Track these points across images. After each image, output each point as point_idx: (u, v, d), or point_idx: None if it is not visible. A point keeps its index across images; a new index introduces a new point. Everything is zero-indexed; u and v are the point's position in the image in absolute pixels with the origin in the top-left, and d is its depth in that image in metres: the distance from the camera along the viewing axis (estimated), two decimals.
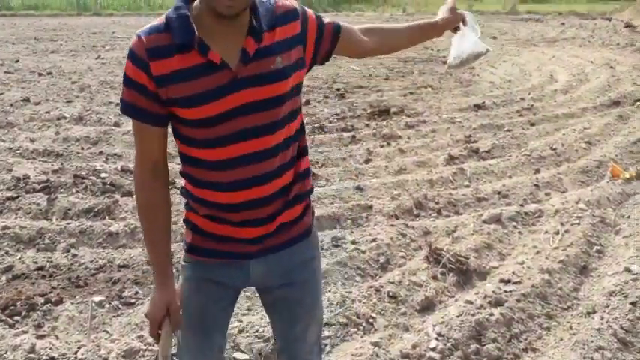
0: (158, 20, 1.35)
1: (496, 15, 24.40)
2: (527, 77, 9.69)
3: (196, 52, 1.30)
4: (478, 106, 7.43)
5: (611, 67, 9.96)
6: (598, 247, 3.56)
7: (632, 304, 2.83)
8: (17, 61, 12.21)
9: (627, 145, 5.54)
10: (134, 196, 4.46)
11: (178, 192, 1.59)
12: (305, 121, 6.00)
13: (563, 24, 19.18)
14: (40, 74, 10.45)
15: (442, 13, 1.82)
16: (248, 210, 1.45)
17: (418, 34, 1.80)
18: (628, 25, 17.19)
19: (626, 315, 2.75)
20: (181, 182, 1.56)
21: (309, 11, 1.51)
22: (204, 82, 1.31)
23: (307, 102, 7.93)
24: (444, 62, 2.03)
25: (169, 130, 1.46)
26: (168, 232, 1.53)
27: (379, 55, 1.94)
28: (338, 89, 8.80)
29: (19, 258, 3.50)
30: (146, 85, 1.33)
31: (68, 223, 3.94)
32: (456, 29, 1.84)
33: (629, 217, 3.98)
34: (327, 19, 1.56)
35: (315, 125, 6.66)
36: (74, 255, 3.52)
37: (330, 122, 6.87)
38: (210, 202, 1.46)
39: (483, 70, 10.56)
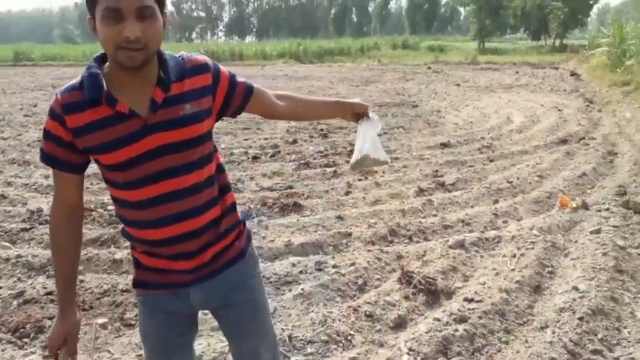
0: (75, 79, 1.35)
1: (459, 65, 24.90)
2: (486, 119, 9.83)
3: (105, 105, 1.30)
4: (444, 145, 7.52)
5: (559, 110, 10.16)
6: (550, 269, 3.57)
7: (580, 319, 2.83)
8: (35, 105, 12.20)
9: (574, 178, 5.61)
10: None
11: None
12: (292, 158, 6.05)
13: (517, 72, 19.61)
14: None
15: (352, 100, 1.81)
16: (177, 244, 1.42)
17: (326, 109, 1.78)
18: (573, 74, 17.63)
19: (575, 329, 2.75)
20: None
21: (224, 68, 1.49)
22: (116, 131, 1.30)
23: (294, 141, 7.98)
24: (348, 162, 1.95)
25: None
26: (73, 268, 1.51)
27: (288, 120, 1.92)
28: (321, 130, 8.87)
29: (30, 284, 3.43)
30: (62, 137, 1.34)
31: None
32: (359, 117, 1.79)
33: (576, 241, 4.01)
34: (241, 78, 1.54)
35: (302, 161, 6.68)
36: (81, 281, 3.46)
37: (315, 159, 6.90)
38: (140, 238, 1.44)
39: (448, 113, 10.72)
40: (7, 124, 9.66)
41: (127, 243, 4.04)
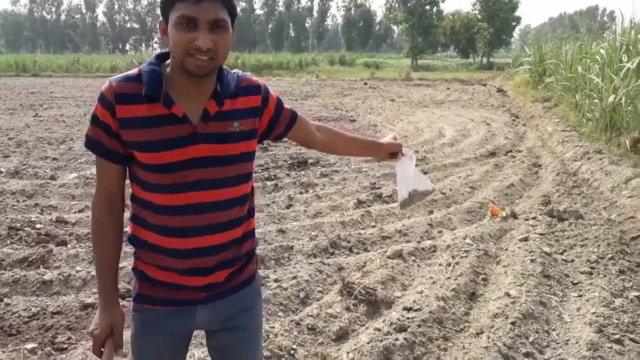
0: (132, 71, 1.35)
1: (394, 81, 25.68)
2: (420, 133, 10.17)
3: (161, 104, 1.30)
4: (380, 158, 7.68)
5: (488, 124, 10.68)
6: (483, 276, 3.72)
7: (512, 323, 2.96)
8: None
9: (503, 189, 5.90)
10: (68, 245, 4.20)
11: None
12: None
13: (448, 88, 20.46)
14: None
15: (386, 139, 1.86)
16: (197, 257, 1.39)
17: (362, 148, 1.85)
18: (499, 90, 18.63)
19: (508, 333, 2.87)
20: (128, 230, 1.49)
21: (273, 93, 1.52)
22: (165, 132, 1.31)
23: None
24: (397, 202, 2.01)
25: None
26: (115, 258, 1.47)
27: (324, 152, 1.98)
28: (262, 144, 8.82)
29: None
30: (110, 125, 1.32)
31: (1, 274, 3.63)
32: (394, 155, 1.84)
33: (507, 249, 4.20)
34: (287, 105, 1.57)
35: None
36: (7, 304, 3.22)
37: (255, 172, 6.82)
38: (159, 246, 1.40)
39: (384, 127, 10.99)
40: None
41: (58, 263, 3.81)
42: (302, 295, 3.43)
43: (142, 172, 1.36)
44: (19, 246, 4.20)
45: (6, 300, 3.30)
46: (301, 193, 5.93)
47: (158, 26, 1.35)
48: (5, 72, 29.54)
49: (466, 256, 3.94)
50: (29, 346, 2.83)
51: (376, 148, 1.84)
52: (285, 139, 1.63)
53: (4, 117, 11.83)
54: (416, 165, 1.85)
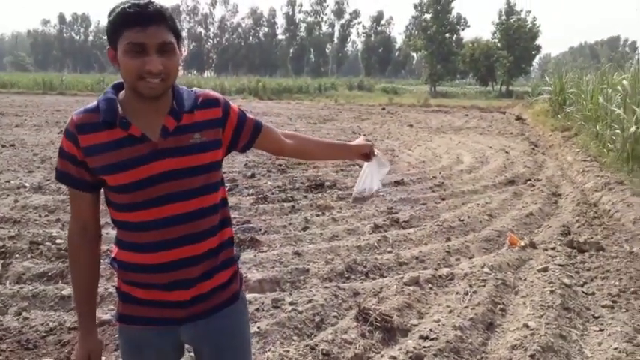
0: (92, 103, 1.42)
1: (412, 107, 25.72)
2: (438, 159, 10.13)
3: (119, 128, 1.35)
4: (398, 183, 7.67)
5: (507, 152, 10.60)
6: (501, 306, 3.65)
7: (531, 356, 2.89)
8: None
9: (522, 218, 5.82)
10: None
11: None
12: (250, 192, 5.99)
13: (467, 115, 20.43)
14: (3, 146, 10.02)
15: (357, 141, 1.91)
16: (176, 270, 1.43)
17: (333, 151, 1.89)
18: (518, 118, 18.54)
19: None
20: (111, 254, 1.53)
21: (234, 105, 1.57)
22: (127, 152, 1.35)
23: (252, 175, 7.95)
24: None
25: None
26: (93, 285, 1.52)
27: (294, 159, 2.03)
28: (280, 165, 8.89)
29: None
30: (76, 156, 1.38)
31: (21, 287, 3.68)
32: (366, 157, 1.90)
33: (525, 279, 4.13)
34: (251, 115, 1.62)
35: (260, 196, 6.65)
36: (25, 318, 3.26)
37: (273, 194, 6.88)
38: (138, 263, 1.44)
39: (402, 152, 10.98)
40: None
41: None
42: (317, 319, 3.40)
43: (113, 195, 1.41)
44: (39, 260, 4.26)
45: (25, 314, 3.34)
46: (318, 215, 5.92)
47: (107, 53, 1.39)
48: (33, 90, 30.33)
49: (484, 285, 3.88)
50: None
51: (346, 150, 1.88)
52: (268, 152, 1.70)
53: (30, 133, 12.11)
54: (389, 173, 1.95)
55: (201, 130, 1.44)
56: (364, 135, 13.50)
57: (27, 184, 6.81)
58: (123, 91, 1.43)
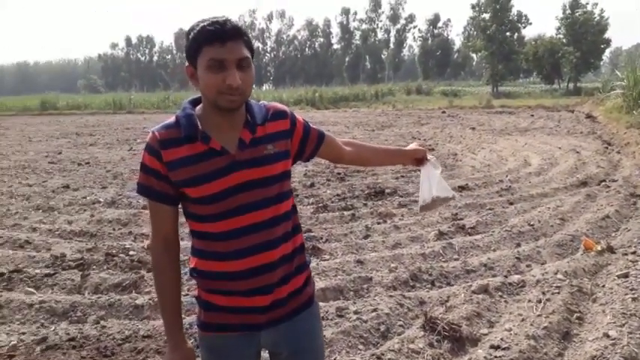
0: (170, 119, 1.48)
1: (474, 109, 25.08)
2: (503, 162, 9.80)
3: (200, 142, 1.42)
4: (462, 187, 7.48)
5: (577, 152, 10.10)
6: (578, 315, 3.46)
7: None
8: (60, 152, 12.51)
9: (597, 221, 5.51)
10: None
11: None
12: (310, 201, 6.05)
13: (532, 115, 19.67)
14: (79, 164, 10.67)
15: (411, 146, 1.97)
16: (254, 277, 1.47)
17: (388, 157, 1.96)
18: (589, 116, 17.64)
19: None
20: (190, 265, 1.59)
21: (299, 116, 1.64)
22: (208, 165, 1.42)
23: (312, 184, 8.02)
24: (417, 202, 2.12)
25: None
26: (178, 298, 1.56)
27: (354, 165, 2.08)
28: (339, 173, 8.91)
29: (53, 330, 3.42)
30: (159, 170, 1.44)
31: (99, 297, 3.89)
32: (420, 162, 1.93)
33: (604, 286, 3.90)
34: (314, 126, 1.69)
35: (319, 205, 6.69)
36: (103, 326, 3.44)
37: (332, 202, 6.91)
38: (218, 272, 1.49)
39: (465, 156, 10.71)
40: (33, 171, 9.89)
41: (148, 288, 4.03)
42: (382, 328, 3.37)
43: (194, 206, 1.47)
44: (114, 271, 4.48)
45: (102, 322, 3.52)
46: (379, 223, 5.88)
47: (186, 71, 1.46)
48: (104, 110, 32.15)
49: (558, 293, 3.70)
50: None
51: (401, 155, 1.94)
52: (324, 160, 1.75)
53: (102, 151, 12.83)
54: (441, 173, 1.94)
55: (273, 141, 1.51)
56: (424, 140, 13.32)
57: (101, 200, 7.21)
58: (199, 107, 1.50)
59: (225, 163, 1.42)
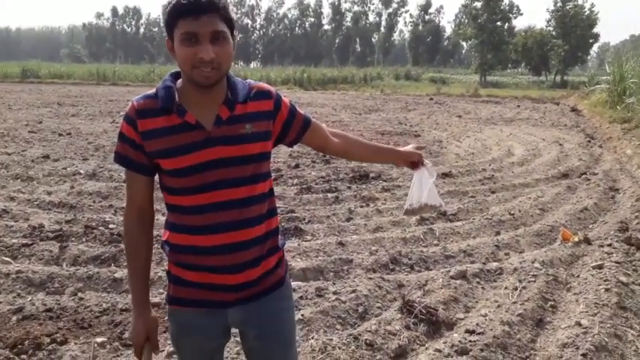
0: (151, 90, 1.48)
1: (461, 97, 25.19)
2: (488, 151, 9.89)
3: (175, 114, 1.41)
4: (445, 175, 7.54)
5: (560, 145, 10.23)
6: (552, 303, 3.54)
7: (584, 355, 2.80)
8: (41, 122, 12.27)
9: (576, 213, 5.61)
10: None
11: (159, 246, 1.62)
12: (294, 182, 6.03)
13: (518, 106, 19.82)
14: (60, 134, 10.49)
15: (408, 147, 1.90)
16: (225, 254, 1.47)
17: (379, 155, 1.90)
18: (573, 109, 17.84)
19: None
20: (162, 238, 1.59)
21: (285, 98, 1.61)
22: (181, 138, 1.41)
23: (297, 166, 8.01)
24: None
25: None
26: (147, 268, 1.59)
27: (340, 158, 2.03)
28: (324, 156, 8.90)
29: (30, 300, 3.39)
30: (134, 139, 1.44)
31: (77, 269, 3.86)
32: (415, 165, 1.88)
33: (578, 276, 3.98)
34: (301, 110, 1.66)
35: (304, 186, 6.69)
36: (81, 298, 3.42)
37: (317, 184, 6.91)
38: (189, 245, 1.49)
39: (450, 143, 10.78)
40: (12, 140, 9.70)
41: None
42: (360, 309, 3.41)
43: (167, 179, 1.47)
44: (93, 244, 4.45)
45: (80, 294, 3.50)
46: (362, 206, 5.91)
47: (165, 43, 1.46)
48: (87, 80, 31.55)
49: (534, 281, 3.77)
50: (99, 339, 2.98)
51: (394, 154, 1.88)
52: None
53: (84, 122, 12.62)
54: (436, 180, 1.90)
55: (253, 120, 1.48)
56: (410, 126, 13.34)
57: (82, 171, 7.11)
58: (180, 80, 1.49)
59: (199, 138, 1.41)
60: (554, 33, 42.52)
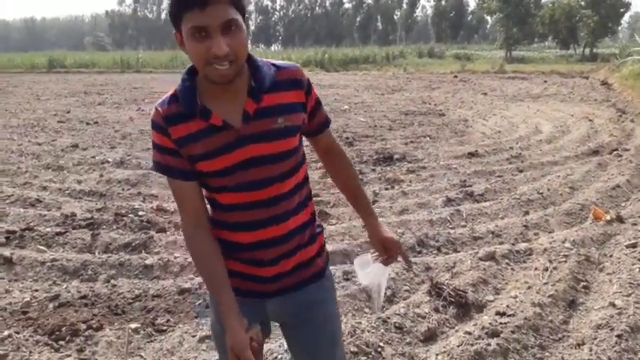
0: (170, 92, 1.39)
1: (486, 74, 24.66)
2: (514, 129, 9.69)
3: (200, 118, 1.33)
4: (472, 154, 7.43)
5: (590, 120, 9.96)
6: (584, 283, 3.48)
7: (618, 336, 2.75)
8: (68, 112, 12.50)
9: (607, 190, 5.47)
10: (167, 232, 4.47)
11: None
12: (318, 166, 6.01)
13: (545, 82, 19.31)
14: (87, 123, 10.67)
15: (387, 232, 1.66)
16: (261, 249, 1.44)
17: (356, 207, 1.71)
18: (604, 83, 17.30)
19: (613, 347, 2.67)
20: None
21: (314, 89, 1.50)
22: (212, 142, 1.33)
23: None
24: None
25: None
26: (224, 276, 1.43)
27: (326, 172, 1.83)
28: (347, 138, 8.86)
29: (65, 287, 3.49)
30: (171, 147, 1.36)
31: (109, 257, 3.95)
32: (385, 252, 1.65)
33: (611, 255, 3.90)
34: (324, 107, 1.56)
35: None
36: (114, 285, 3.51)
37: None
38: (228, 240, 1.46)
39: (475, 122, 10.59)
40: (42, 130, 9.92)
41: (158, 249, 4.06)
42: (389, 292, 3.41)
43: (206, 178, 1.40)
44: (123, 231, 4.54)
45: (112, 281, 3.59)
46: (387, 189, 5.87)
47: (175, 36, 1.32)
48: (112, 69, 31.92)
49: (565, 261, 3.71)
50: (133, 325, 3.05)
51: (370, 226, 1.67)
52: None
53: (110, 110, 12.81)
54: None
55: (285, 113, 1.38)
56: (434, 105, 13.13)
57: (110, 160, 7.24)
58: (200, 75, 1.37)
59: (230, 139, 1.33)
60: (582, 3, 41.09)
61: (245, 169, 1.36)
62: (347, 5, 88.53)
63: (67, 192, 5.72)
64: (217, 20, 1.21)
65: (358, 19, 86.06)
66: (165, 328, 3.06)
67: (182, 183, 1.41)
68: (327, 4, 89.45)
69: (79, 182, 6.13)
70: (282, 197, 1.42)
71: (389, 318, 3.01)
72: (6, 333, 2.91)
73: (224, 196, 1.41)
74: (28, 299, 3.28)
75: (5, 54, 43.05)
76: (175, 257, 3.92)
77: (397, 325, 2.95)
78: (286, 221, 1.44)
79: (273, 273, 1.47)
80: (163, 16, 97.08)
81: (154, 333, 3.02)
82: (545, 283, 3.41)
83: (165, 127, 1.35)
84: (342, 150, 1.67)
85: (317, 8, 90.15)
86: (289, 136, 1.39)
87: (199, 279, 3.54)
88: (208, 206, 1.49)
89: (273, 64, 1.42)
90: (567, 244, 4.00)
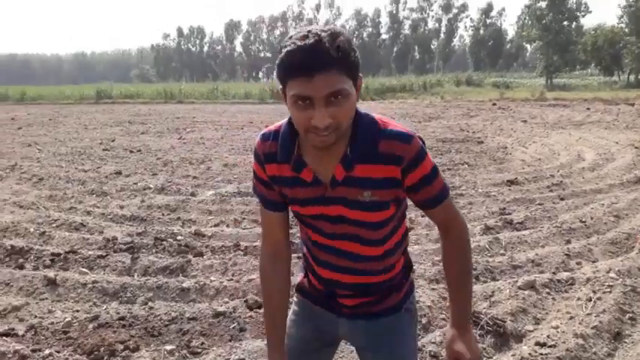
0: (276, 125, 1.39)
1: (526, 101, 24.30)
2: (555, 156, 9.47)
3: (292, 168, 1.34)
4: (511, 182, 7.29)
5: (636, 148, 9.65)
6: (630, 315, 3.33)
7: None
8: (113, 140, 12.97)
9: None
10: (204, 256, 4.54)
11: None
12: None
13: (588, 109, 18.87)
14: (131, 151, 11.03)
15: (454, 342, 1.46)
16: (342, 289, 1.47)
17: (449, 297, 1.52)
18: None
19: None
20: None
21: (427, 164, 1.31)
22: (302, 191, 1.36)
23: None
24: None
25: None
26: (281, 315, 1.50)
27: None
28: None
29: (104, 309, 3.58)
30: (265, 180, 1.42)
31: (147, 279, 4.03)
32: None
33: None
34: (441, 183, 1.37)
35: None
36: (151, 307, 3.57)
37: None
38: (312, 265, 1.51)
39: (515, 149, 10.41)
40: (88, 158, 10.32)
41: (195, 272, 4.12)
42: (424, 320, 3.34)
43: (296, 215, 1.45)
44: (162, 255, 4.64)
45: (150, 304, 3.66)
46: (423, 216, 5.80)
47: (280, 92, 1.26)
48: (155, 99, 33.08)
49: (610, 292, 3.56)
50: (168, 347, 3.09)
51: (451, 336, 1.45)
52: None
53: (153, 139, 13.23)
54: None
55: (374, 187, 1.30)
56: (472, 132, 12.99)
57: (151, 186, 7.45)
58: None
59: (317, 194, 1.34)
60: (626, 30, 40.25)
61: (330, 222, 1.37)
62: (384, 36, 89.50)
63: (109, 217, 5.91)
64: (322, 92, 1.14)
65: (395, 49, 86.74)
66: (199, 350, 3.09)
67: (270, 213, 1.46)
68: (365, 35, 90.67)
69: (121, 207, 6.32)
70: (368, 258, 1.42)
71: (424, 346, 2.95)
72: (47, 352, 2.99)
73: (310, 231, 1.45)
74: (69, 319, 3.38)
75: (57, 86, 45.34)
76: (211, 281, 3.98)
77: (432, 353, 2.89)
78: (369, 276, 1.45)
79: (346, 304, 1.50)
80: (205, 48, 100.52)
81: (188, 355, 3.05)
82: (589, 314, 3.28)
83: (262, 161, 1.39)
84: (458, 233, 1.46)
85: (354, 39, 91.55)
86: (374, 210, 1.33)
87: (234, 303, 3.58)
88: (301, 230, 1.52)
89: (382, 131, 1.30)
90: (612, 274, 3.85)
